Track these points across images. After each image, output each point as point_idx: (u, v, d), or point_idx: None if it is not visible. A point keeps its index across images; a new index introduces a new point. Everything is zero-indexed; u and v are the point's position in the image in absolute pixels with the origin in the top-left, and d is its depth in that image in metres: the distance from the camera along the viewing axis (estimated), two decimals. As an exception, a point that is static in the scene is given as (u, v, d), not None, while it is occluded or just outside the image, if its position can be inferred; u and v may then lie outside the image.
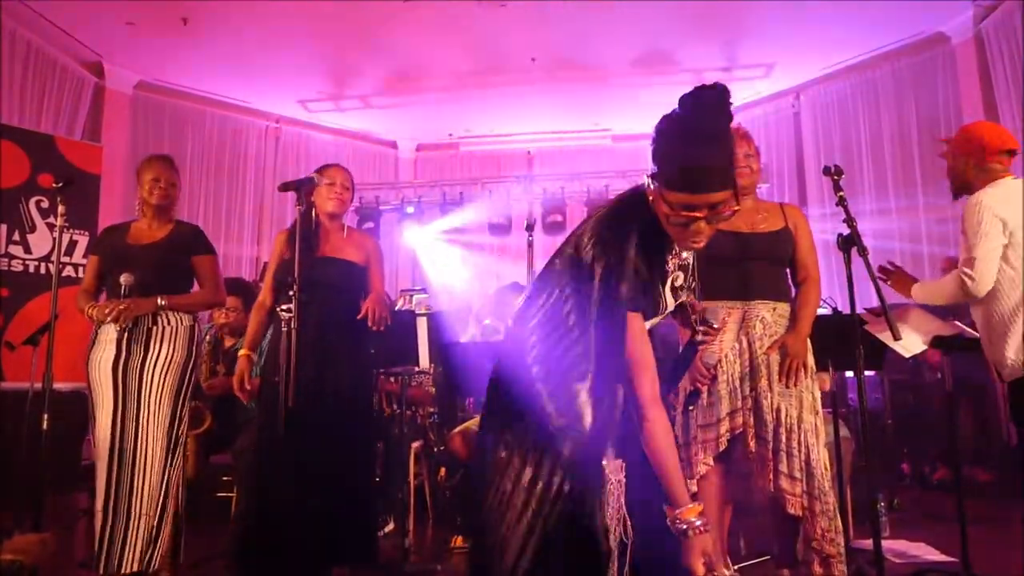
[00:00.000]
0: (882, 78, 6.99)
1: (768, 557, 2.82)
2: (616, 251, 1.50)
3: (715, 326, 1.76)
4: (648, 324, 1.62)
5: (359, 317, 2.60)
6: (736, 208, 1.48)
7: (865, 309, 2.85)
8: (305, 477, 2.49)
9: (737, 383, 2.50)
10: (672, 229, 1.50)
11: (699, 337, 1.71)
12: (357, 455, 2.72)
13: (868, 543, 2.33)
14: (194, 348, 2.83)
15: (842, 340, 2.42)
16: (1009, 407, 2.62)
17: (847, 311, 2.40)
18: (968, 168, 2.64)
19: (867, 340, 2.49)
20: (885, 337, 2.48)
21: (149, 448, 2.62)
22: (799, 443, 2.41)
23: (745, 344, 2.50)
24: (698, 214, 1.43)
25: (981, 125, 2.82)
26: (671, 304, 1.67)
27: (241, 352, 2.76)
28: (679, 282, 1.67)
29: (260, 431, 2.68)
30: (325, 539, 2.54)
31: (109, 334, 2.69)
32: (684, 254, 1.63)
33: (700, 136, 1.42)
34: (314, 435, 2.53)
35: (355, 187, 3.01)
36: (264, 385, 2.75)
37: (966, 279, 2.50)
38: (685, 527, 1.45)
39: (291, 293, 2.41)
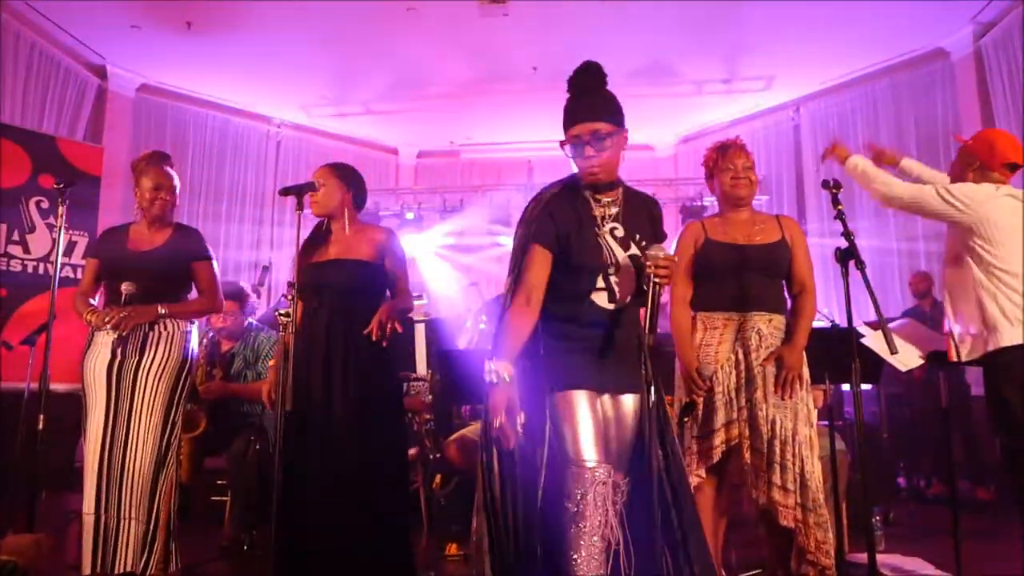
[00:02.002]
0: (881, 92, 7.03)
1: (760, 571, 2.82)
2: (535, 202, 2.03)
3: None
4: (600, 285, 1.95)
5: (364, 333, 2.48)
6: (610, 136, 1.93)
7: (863, 323, 2.86)
8: (323, 495, 2.44)
9: (732, 394, 2.50)
10: (577, 164, 1.98)
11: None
12: (379, 469, 2.54)
13: (863, 557, 2.33)
14: (189, 353, 2.82)
15: (839, 353, 2.43)
16: (986, 390, 2.68)
17: (844, 324, 2.40)
18: (970, 169, 2.75)
19: (864, 354, 2.50)
20: (882, 351, 2.49)
21: (140, 452, 2.60)
22: (793, 455, 2.41)
23: (741, 355, 2.51)
24: (585, 138, 1.93)
25: (998, 132, 2.96)
26: (620, 254, 1.97)
27: (271, 363, 2.75)
28: (619, 233, 2.00)
29: (284, 441, 2.63)
30: (350, 559, 2.47)
31: (105, 337, 2.68)
32: (613, 208, 2.02)
33: (576, 89, 2.01)
34: (323, 449, 2.47)
35: (349, 176, 2.78)
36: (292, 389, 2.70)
37: (893, 184, 2.80)
38: (493, 377, 1.81)
39: (289, 298, 2.42)
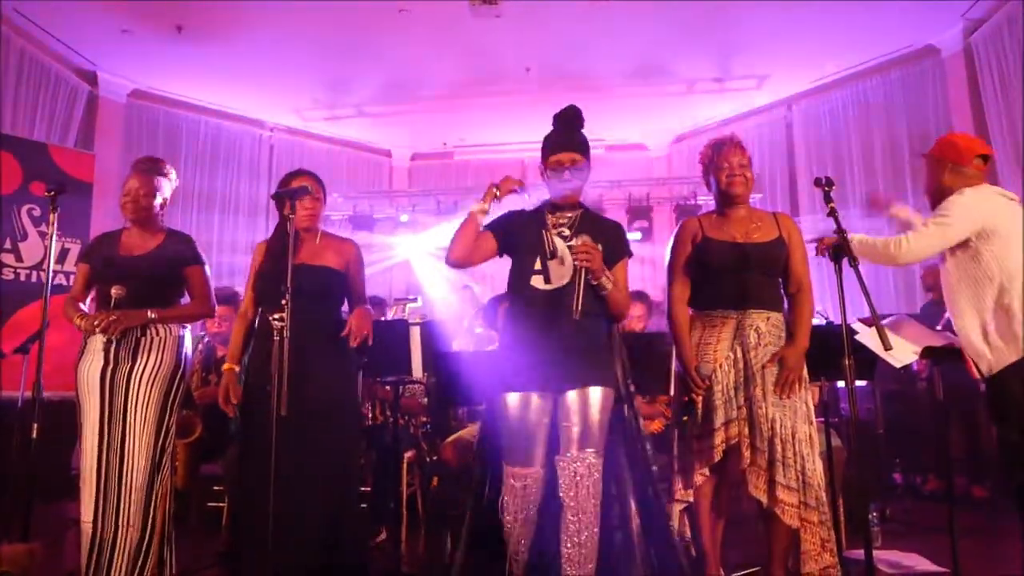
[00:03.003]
0: (873, 90, 7.05)
1: (758, 568, 2.81)
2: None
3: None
4: (548, 274, 2.35)
5: (343, 335, 2.52)
6: (584, 168, 2.42)
7: (857, 319, 2.87)
8: (285, 492, 2.40)
9: (732, 393, 2.50)
10: (555, 185, 2.40)
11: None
12: (337, 468, 2.59)
13: (860, 553, 2.34)
14: (183, 358, 2.79)
15: (833, 350, 2.43)
16: (988, 403, 2.65)
17: (838, 321, 2.41)
18: (945, 172, 2.72)
19: (858, 350, 2.50)
20: (876, 347, 2.49)
21: (134, 458, 2.58)
22: (794, 453, 2.41)
23: (740, 353, 2.51)
24: (565, 164, 2.37)
25: (954, 134, 3.00)
26: (560, 244, 2.35)
27: (225, 367, 2.72)
28: (565, 233, 2.34)
29: (245, 442, 2.58)
30: (310, 555, 2.47)
31: (98, 344, 2.67)
32: (564, 220, 2.40)
33: (560, 123, 2.46)
34: (291, 448, 2.44)
35: (326, 192, 2.90)
36: (247, 393, 2.65)
37: (901, 242, 2.63)
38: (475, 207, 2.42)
39: (283, 302, 2.40)
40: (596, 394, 2.27)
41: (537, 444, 2.27)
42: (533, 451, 2.27)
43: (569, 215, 2.43)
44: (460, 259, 2.41)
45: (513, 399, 2.30)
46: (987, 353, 2.55)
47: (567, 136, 2.42)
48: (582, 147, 2.41)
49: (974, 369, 2.64)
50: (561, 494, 2.23)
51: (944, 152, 2.75)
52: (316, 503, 2.50)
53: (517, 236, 2.42)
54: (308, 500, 2.49)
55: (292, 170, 2.88)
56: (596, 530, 2.23)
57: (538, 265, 2.34)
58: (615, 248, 2.43)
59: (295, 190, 2.55)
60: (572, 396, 2.27)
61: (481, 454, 2.49)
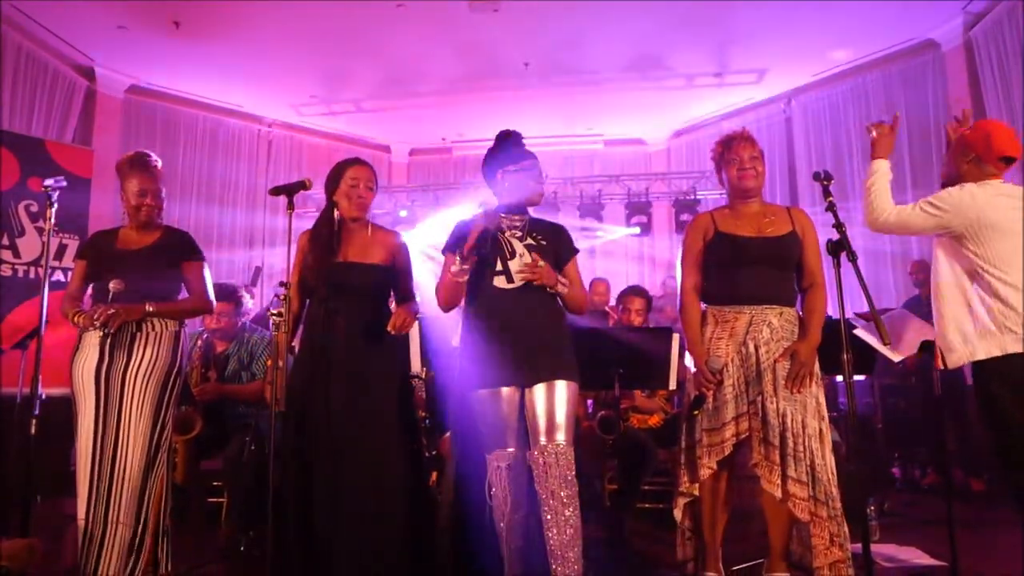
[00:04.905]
0: (873, 84, 7.04)
1: (762, 561, 2.82)
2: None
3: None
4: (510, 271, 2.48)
5: (387, 328, 2.45)
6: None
7: (855, 314, 2.86)
8: (349, 509, 2.36)
9: (743, 387, 2.50)
10: (529, 186, 2.53)
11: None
12: (405, 479, 2.51)
13: (858, 547, 2.34)
14: (179, 354, 2.78)
15: (832, 344, 2.43)
16: (975, 391, 2.62)
17: (837, 315, 2.41)
18: (965, 161, 2.63)
19: (857, 345, 2.49)
20: (874, 342, 2.49)
21: (129, 454, 2.57)
22: (805, 448, 2.41)
23: (752, 348, 2.50)
24: (537, 169, 2.55)
25: (994, 124, 2.77)
26: (518, 245, 2.50)
27: (269, 362, 2.68)
28: (518, 235, 2.53)
29: (294, 444, 2.48)
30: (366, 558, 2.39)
31: (93, 339, 2.65)
32: (518, 223, 2.55)
33: (512, 139, 2.64)
34: (354, 467, 2.40)
35: (378, 184, 2.79)
36: (290, 406, 2.52)
37: (886, 207, 2.61)
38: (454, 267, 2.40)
39: (281, 298, 2.39)
40: (562, 388, 2.38)
41: (510, 429, 2.41)
42: (507, 435, 2.41)
43: (519, 220, 2.57)
44: (452, 305, 2.55)
45: (484, 395, 2.41)
46: (957, 346, 2.50)
47: (526, 149, 2.60)
48: (530, 155, 2.62)
49: (939, 359, 2.60)
50: (536, 486, 2.32)
51: (974, 141, 2.63)
52: (378, 523, 2.41)
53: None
54: (370, 520, 2.40)
55: (345, 159, 2.77)
56: (576, 520, 2.29)
57: (499, 266, 2.46)
58: (564, 249, 2.59)
59: (291, 185, 2.54)
60: (539, 390, 2.38)
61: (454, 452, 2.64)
